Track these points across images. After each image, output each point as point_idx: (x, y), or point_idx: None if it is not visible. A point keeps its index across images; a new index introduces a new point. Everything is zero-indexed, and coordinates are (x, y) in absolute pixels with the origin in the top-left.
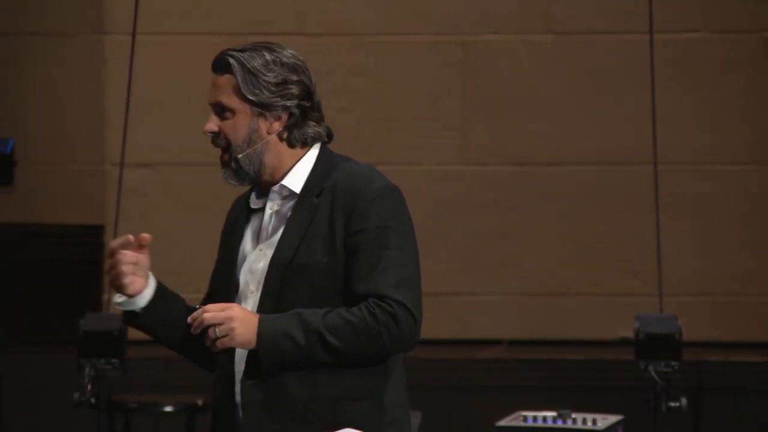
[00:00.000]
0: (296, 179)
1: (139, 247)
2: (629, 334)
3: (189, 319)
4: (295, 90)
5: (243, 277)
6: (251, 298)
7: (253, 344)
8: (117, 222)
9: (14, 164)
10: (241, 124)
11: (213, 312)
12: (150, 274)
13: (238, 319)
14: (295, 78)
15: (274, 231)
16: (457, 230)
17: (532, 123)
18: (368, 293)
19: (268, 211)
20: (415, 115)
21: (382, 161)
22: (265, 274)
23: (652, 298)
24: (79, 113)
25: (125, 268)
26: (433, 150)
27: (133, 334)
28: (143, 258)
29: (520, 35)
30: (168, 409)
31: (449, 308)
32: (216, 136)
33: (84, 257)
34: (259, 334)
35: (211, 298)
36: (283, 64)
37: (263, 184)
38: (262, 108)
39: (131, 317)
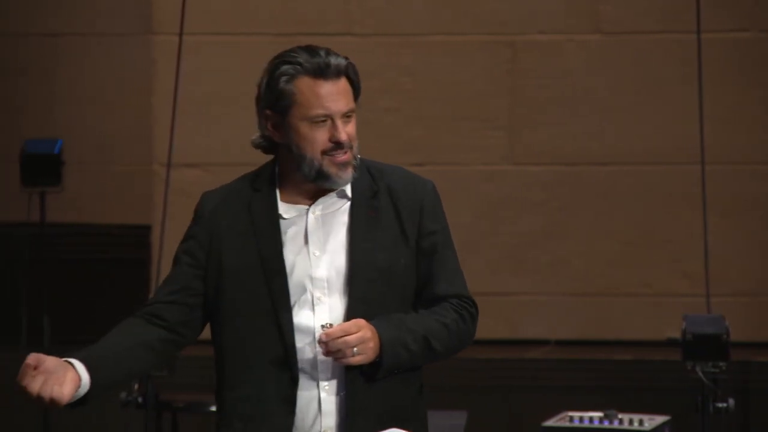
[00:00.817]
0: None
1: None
2: (677, 334)
3: (322, 336)
4: None
5: (301, 284)
6: (322, 306)
7: (376, 356)
8: (164, 222)
9: (62, 164)
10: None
11: (355, 335)
12: (68, 361)
13: (373, 338)
14: None
15: (329, 235)
16: (505, 230)
17: (580, 123)
18: (449, 294)
19: (311, 216)
20: (463, 115)
21: (429, 161)
22: (344, 280)
23: (700, 299)
24: (127, 113)
25: (42, 389)
26: (481, 150)
27: None
28: (48, 363)
29: (568, 35)
30: (215, 408)
31: (497, 308)
32: (346, 142)
33: (131, 257)
34: (382, 346)
35: (181, 294)
36: None
37: (314, 188)
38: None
39: (83, 401)
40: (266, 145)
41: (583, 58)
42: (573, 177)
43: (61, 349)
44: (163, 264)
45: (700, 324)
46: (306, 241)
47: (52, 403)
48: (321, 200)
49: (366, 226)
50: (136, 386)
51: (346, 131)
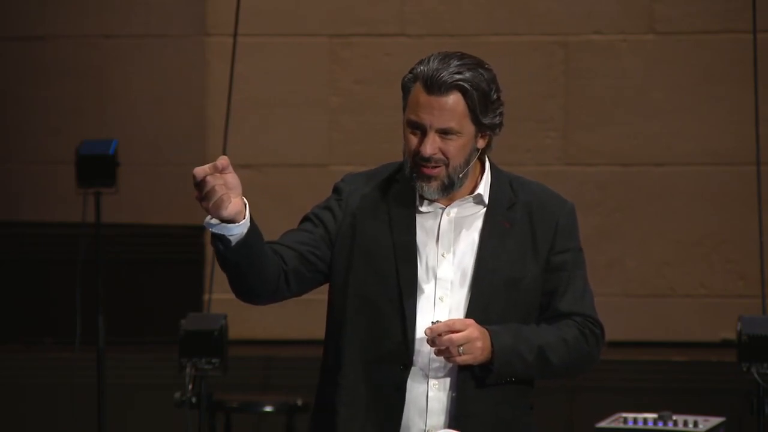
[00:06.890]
0: (485, 190)
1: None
2: (732, 335)
3: (428, 331)
4: (502, 107)
5: (426, 280)
6: (443, 306)
7: (486, 360)
8: None
9: (117, 165)
10: (465, 146)
11: (460, 333)
12: (243, 198)
13: (481, 338)
14: (501, 93)
15: (459, 238)
16: None
17: (635, 123)
18: (573, 311)
19: (445, 217)
20: (517, 115)
21: None
22: (468, 284)
23: (756, 300)
24: (180, 114)
25: (218, 187)
26: (536, 151)
27: (234, 333)
28: (230, 177)
29: (623, 35)
30: (268, 408)
31: None
32: (433, 156)
33: (185, 257)
34: (495, 352)
35: (301, 248)
36: (495, 81)
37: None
38: (487, 129)
39: (235, 248)
40: None
41: (638, 59)
42: (628, 177)
43: (116, 349)
44: (217, 264)
45: (755, 325)
46: (437, 241)
47: (215, 206)
48: (457, 203)
49: (498, 235)
50: (189, 386)
51: (440, 147)
